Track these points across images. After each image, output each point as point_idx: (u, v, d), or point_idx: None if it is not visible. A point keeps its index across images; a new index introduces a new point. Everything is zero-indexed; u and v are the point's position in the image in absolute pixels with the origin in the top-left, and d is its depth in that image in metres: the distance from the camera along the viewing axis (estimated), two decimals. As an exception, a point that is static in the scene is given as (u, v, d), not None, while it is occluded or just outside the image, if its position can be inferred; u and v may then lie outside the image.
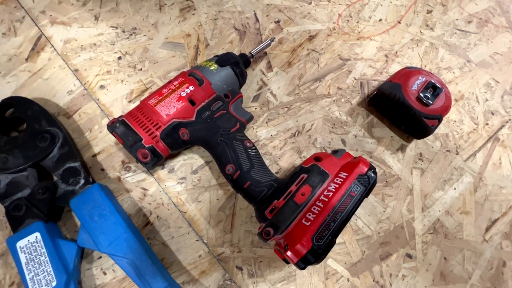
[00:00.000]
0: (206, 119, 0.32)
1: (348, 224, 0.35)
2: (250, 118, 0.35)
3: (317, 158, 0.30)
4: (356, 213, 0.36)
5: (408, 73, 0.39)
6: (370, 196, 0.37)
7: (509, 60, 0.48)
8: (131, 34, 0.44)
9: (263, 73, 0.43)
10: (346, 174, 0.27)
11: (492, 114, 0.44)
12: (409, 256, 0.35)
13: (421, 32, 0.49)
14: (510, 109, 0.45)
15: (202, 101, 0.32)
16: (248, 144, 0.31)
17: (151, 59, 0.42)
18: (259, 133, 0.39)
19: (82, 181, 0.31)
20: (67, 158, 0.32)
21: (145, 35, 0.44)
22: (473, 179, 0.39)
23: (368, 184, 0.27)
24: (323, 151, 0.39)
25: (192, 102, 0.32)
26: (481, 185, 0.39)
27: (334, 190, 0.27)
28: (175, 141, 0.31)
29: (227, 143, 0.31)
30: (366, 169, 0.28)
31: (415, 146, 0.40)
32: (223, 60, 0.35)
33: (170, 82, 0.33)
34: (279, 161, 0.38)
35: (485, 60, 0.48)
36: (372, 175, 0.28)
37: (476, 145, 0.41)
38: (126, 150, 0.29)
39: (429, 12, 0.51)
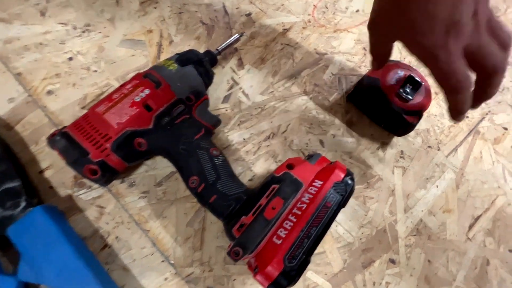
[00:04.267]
0: (165, 126, 0.28)
1: (328, 232, 0.33)
2: (217, 123, 0.32)
3: (289, 165, 0.27)
4: (336, 219, 0.34)
5: (386, 66, 0.36)
6: (351, 199, 0.35)
7: (488, 50, 0.47)
8: (84, 31, 0.39)
9: (234, 71, 0.40)
10: (321, 182, 0.25)
11: (472, 106, 0.43)
12: (392, 261, 0.33)
13: (399, 22, 0.46)
14: (490, 100, 0.43)
15: (160, 106, 0.28)
16: (214, 152, 0.28)
17: (108, 59, 0.38)
18: (231, 137, 0.36)
19: (23, 204, 0.27)
20: (4, 178, 0.28)
21: (100, 32, 0.39)
22: (455, 175, 0.38)
23: (345, 192, 0.25)
24: (300, 153, 0.36)
25: (148, 108, 0.28)
26: (463, 181, 0.38)
27: (308, 201, 0.24)
28: (131, 153, 0.28)
29: (190, 152, 0.27)
30: (342, 175, 0.25)
31: (396, 143, 0.39)
32: (184, 58, 0.31)
33: (122, 85, 0.29)
34: (253, 167, 0.35)
35: (464, 50, 0.47)
36: (349, 181, 0.25)
37: (457, 139, 0.40)
38: (70, 167, 0.25)
39: (407, 1, 0.49)
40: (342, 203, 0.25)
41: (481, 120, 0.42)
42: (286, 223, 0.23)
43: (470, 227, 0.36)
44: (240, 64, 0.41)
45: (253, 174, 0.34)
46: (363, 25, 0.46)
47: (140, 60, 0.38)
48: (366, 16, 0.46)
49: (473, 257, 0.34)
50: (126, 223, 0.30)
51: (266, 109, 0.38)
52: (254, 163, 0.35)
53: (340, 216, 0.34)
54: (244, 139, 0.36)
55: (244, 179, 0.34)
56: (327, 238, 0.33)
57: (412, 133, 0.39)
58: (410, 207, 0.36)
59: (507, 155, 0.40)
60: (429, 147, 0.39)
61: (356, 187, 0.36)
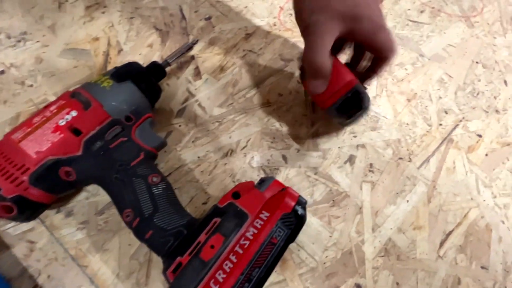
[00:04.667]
0: (98, 152, 0.25)
1: (289, 257, 0.31)
2: (161, 145, 0.28)
3: (235, 193, 0.24)
4: (298, 241, 0.31)
5: (339, 70, 0.31)
6: (315, 220, 0.32)
7: (462, 52, 0.45)
8: (19, 41, 0.35)
9: (190, 82, 0.37)
10: (268, 215, 0.22)
11: (446, 113, 0.41)
12: (358, 286, 0.31)
13: (370, 25, 0.44)
14: (464, 106, 0.42)
15: (90, 129, 0.25)
16: (154, 179, 0.25)
17: (46, 72, 0.34)
18: (184, 155, 0.33)
19: None
20: None
21: (38, 41, 0.35)
22: (427, 188, 0.36)
23: (294, 225, 0.22)
24: (261, 171, 0.34)
25: (76, 132, 0.25)
26: (435, 194, 0.36)
27: (252, 237, 0.21)
28: (57, 184, 0.24)
29: (124, 181, 0.24)
30: (293, 204, 0.23)
31: (365, 156, 0.36)
32: (122, 73, 0.28)
33: (46, 107, 0.25)
34: (207, 188, 0.32)
35: (438, 53, 0.45)
36: (300, 211, 0.23)
37: (429, 149, 0.38)
38: (-24, 206, 0.22)
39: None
40: (291, 237, 0.22)
41: (454, 128, 0.40)
42: (226, 264, 0.21)
43: (441, 244, 0.34)
44: (197, 74, 0.37)
45: (207, 197, 0.32)
46: (332, 28, 0.43)
47: (84, 72, 0.35)
48: (335, 18, 0.44)
49: (443, 277, 0.32)
50: (60, 259, 0.27)
51: (225, 123, 0.35)
52: (209, 183, 0.32)
53: (303, 239, 0.32)
54: (198, 157, 0.33)
55: (198, 202, 0.31)
56: (288, 264, 0.30)
57: (382, 144, 0.37)
58: (379, 225, 0.33)
59: (481, 164, 0.38)
60: (400, 158, 0.37)
61: (321, 205, 0.33)
